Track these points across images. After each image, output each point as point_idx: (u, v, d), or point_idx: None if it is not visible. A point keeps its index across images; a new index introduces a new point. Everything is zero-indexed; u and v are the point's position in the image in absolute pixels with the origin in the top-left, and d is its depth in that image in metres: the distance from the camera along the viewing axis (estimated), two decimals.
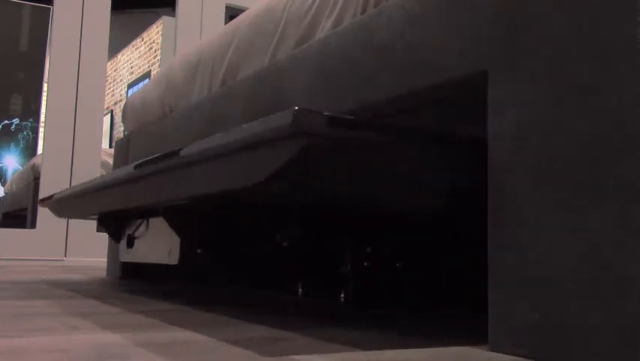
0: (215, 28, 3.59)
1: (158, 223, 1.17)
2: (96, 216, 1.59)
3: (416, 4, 0.88)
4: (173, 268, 1.80)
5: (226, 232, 1.07)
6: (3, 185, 4.48)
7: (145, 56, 6.10)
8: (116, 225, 1.50)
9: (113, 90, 6.95)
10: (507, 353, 0.69)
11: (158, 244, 1.14)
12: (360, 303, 1.14)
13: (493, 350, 0.71)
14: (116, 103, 6.79)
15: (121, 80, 6.76)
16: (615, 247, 0.59)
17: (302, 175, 0.76)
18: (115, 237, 1.53)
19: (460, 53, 0.80)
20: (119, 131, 6.33)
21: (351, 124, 0.70)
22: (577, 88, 0.65)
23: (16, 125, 4.27)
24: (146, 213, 1.24)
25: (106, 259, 2.75)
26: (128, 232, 1.39)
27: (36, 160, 3.79)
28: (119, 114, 5.64)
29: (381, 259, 1.14)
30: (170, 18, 4.75)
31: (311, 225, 1.17)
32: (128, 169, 1.04)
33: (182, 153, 0.84)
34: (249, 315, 1.01)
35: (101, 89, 3.42)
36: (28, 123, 4.31)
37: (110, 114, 6.72)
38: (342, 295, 1.16)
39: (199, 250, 1.03)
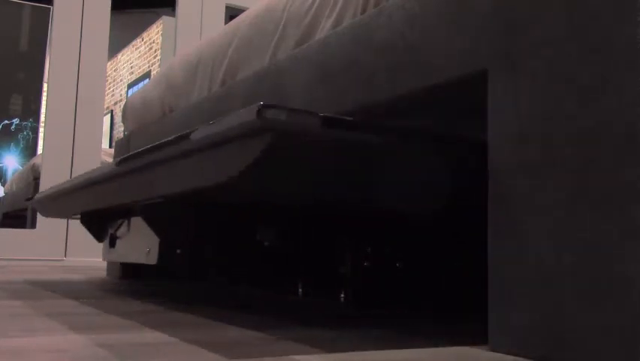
0: (215, 28, 3.59)
1: (138, 223, 1.16)
2: (78, 216, 1.59)
3: (416, 4, 0.88)
4: (172, 268, 1.79)
5: (210, 231, 1.07)
6: (3, 185, 4.48)
7: (145, 56, 6.09)
8: (99, 224, 1.50)
9: (113, 90, 6.95)
10: (507, 353, 0.69)
11: (137, 243, 1.14)
12: (360, 303, 1.14)
13: (493, 350, 0.71)
14: (116, 103, 6.78)
15: (121, 80, 6.76)
16: (615, 247, 0.59)
17: (276, 173, 0.75)
18: (97, 236, 1.53)
19: (460, 52, 0.80)
20: (119, 131, 6.33)
21: (320, 120, 0.69)
22: (577, 88, 0.65)
23: (16, 125, 4.27)
24: (127, 212, 1.24)
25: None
26: (111, 231, 1.38)
27: (36, 160, 3.79)
28: (119, 114, 5.63)
29: (381, 259, 1.14)
30: (170, 18, 4.75)
31: (310, 225, 1.17)
32: (103, 169, 1.05)
33: (154, 151, 0.84)
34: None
35: (101, 89, 3.42)
36: (28, 123, 4.31)
37: (110, 114, 6.72)
38: (342, 295, 1.16)
39: (178, 251, 1.03)
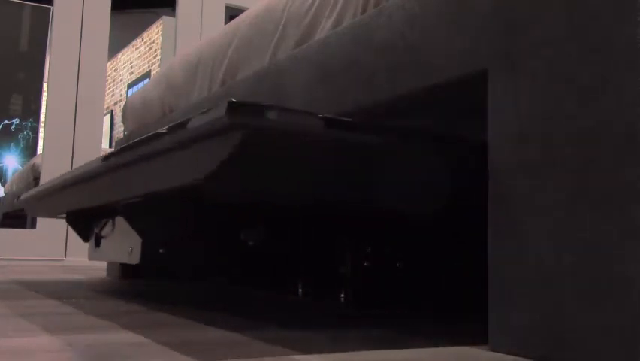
0: (215, 28, 3.59)
1: (122, 222, 1.16)
2: (64, 215, 1.58)
3: (416, 4, 0.88)
4: (173, 268, 1.79)
5: (197, 231, 1.06)
6: (3, 185, 4.48)
7: (145, 56, 6.09)
8: (84, 223, 1.49)
9: (113, 90, 6.95)
10: (507, 353, 0.69)
11: (121, 243, 1.14)
12: (360, 303, 1.14)
13: (493, 350, 0.71)
14: (116, 103, 6.78)
15: (121, 80, 6.76)
16: (615, 247, 0.59)
17: (256, 171, 0.74)
18: (83, 236, 1.52)
19: (460, 52, 0.80)
20: (119, 131, 6.33)
21: (293, 116, 0.68)
22: (577, 88, 0.65)
23: (16, 125, 4.27)
24: (111, 211, 1.24)
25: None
26: (96, 230, 1.38)
27: (36, 160, 3.79)
28: (119, 114, 5.64)
29: (381, 259, 1.14)
30: (170, 18, 4.75)
31: (310, 225, 1.17)
32: (83, 167, 1.04)
33: (132, 149, 0.83)
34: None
35: (101, 89, 3.43)
36: (28, 123, 4.31)
37: (110, 114, 6.72)
38: (342, 295, 1.16)
39: (161, 250, 1.02)
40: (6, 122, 4.23)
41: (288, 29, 1.23)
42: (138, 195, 0.92)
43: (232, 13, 3.89)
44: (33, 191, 1.43)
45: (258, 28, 1.35)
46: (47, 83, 3.36)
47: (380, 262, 1.13)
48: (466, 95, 0.86)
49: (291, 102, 1.15)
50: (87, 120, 3.33)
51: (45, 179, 3.20)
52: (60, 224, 3.18)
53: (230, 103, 0.63)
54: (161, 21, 5.65)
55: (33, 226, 3.27)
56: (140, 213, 1.00)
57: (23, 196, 1.54)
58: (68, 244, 3.21)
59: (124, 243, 1.10)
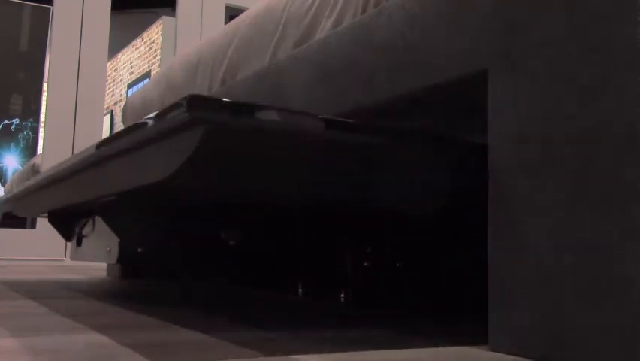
0: (215, 28, 3.59)
1: (100, 222, 1.15)
2: (46, 215, 1.57)
3: (416, 4, 0.88)
4: (172, 268, 1.79)
5: (180, 231, 1.05)
6: (3, 185, 4.48)
7: (145, 56, 6.10)
8: (66, 223, 1.48)
9: (113, 90, 6.95)
10: (507, 353, 0.69)
11: (100, 243, 1.13)
12: (360, 303, 1.14)
13: (493, 350, 0.71)
14: (116, 103, 6.79)
15: (121, 80, 6.76)
16: (615, 247, 0.59)
17: (221, 169, 0.73)
18: (65, 235, 1.51)
19: (460, 52, 0.80)
20: None
21: (253, 110, 0.66)
22: (577, 88, 0.65)
23: (16, 125, 4.27)
24: (91, 211, 1.23)
25: None
26: (77, 230, 1.37)
27: (36, 160, 3.79)
28: (119, 114, 5.63)
29: (381, 259, 1.14)
30: (170, 18, 4.75)
31: (310, 225, 1.17)
32: (54, 169, 1.04)
33: (98, 148, 0.83)
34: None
35: (101, 89, 3.43)
36: (28, 123, 4.31)
37: (110, 114, 6.72)
38: (342, 295, 1.16)
39: (140, 249, 1.01)
40: (6, 122, 4.23)
41: (288, 29, 1.23)
42: (108, 194, 0.91)
43: (232, 13, 3.89)
44: (14, 191, 1.43)
45: (258, 28, 1.35)
46: (47, 83, 3.36)
47: (380, 262, 1.13)
48: (466, 95, 0.86)
49: (291, 102, 1.15)
50: (87, 120, 3.33)
51: None
52: None
53: (191, 97, 0.62)
54: (161, 21, 5.66)
55: (33, 226, 3.27)
56: (116, 212, 0.99)
57: (2, 197, 1.54)
58: (69, 244, 3.21)
59: (103, 242, 1.10)
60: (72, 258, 1.44)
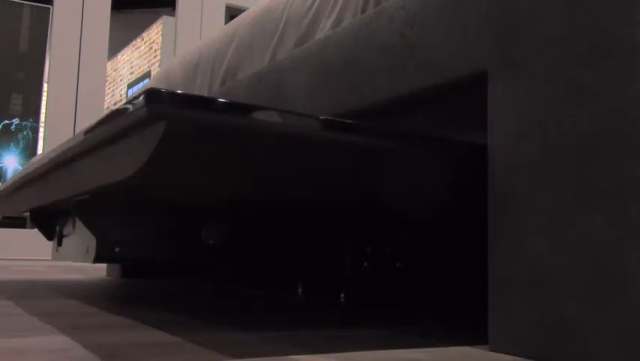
0: (215, 28, 3.60)
1: (79, 221, 1.14)
2: (27, 213, 1.56)
3: (416, 4, 0.88)
4: (171, 267, 1.79)
5: (161, 230, 1.04)
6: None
7: (145, 56, 6.10)
8: (48, 222, 1.47)
9: (113, 90, 6.95)
10: (507, 353, 0.69)
11: (78, 242, 1.12)
12: (360, 303, 1.14)
13: (493, 350, 0.71)
14: (116, 103, 6.79)
15: (121, 80, 6.76)
16: (615, 247, 0.59)
17: (188, 167, 0.71)
18: (47, 235, 1.50)
19: (460, 52, 0.80)
20: None
21: (215, 105, 0.64)
22: (577, 88, 0.65)
23: (16, 125, 4.27)
24: (70, 211, 1.22)
25: None
26: (58, 229, 1.36)
27: None
28: None
29: (381, 259, 1.14)
30: (170, 18, 4.75)
31: (310, 225, 1.17)
32: (29, 168, 1.04)
33: (65, 147, 0.82)
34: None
35: (101, 89, 3.43)
36: (28, 123, 4.31)
37: None
38: (342, 295, 1.16)
39: (117, 249, 1.00)
40: (6, 122, 4.23)
41: (288, 29, 1.23)
42: (78, 193, 0.91)
43: (232, 13, 3.89)
44: None
45: (258, 28, 1.35)
46: (47, 83, 3.36)
47: (380, 262, 1.13)
48: (465, 95, 0.86)
49: (291, 102, 1.15)
50: (87, 120, 3.33)
51: None
52: None
53: (149, 91, 0.60)
54: (161, 21, 5.66)
55: (34, 226, 3.27)
56: (92, 211, 0.98)
57: None
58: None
59: (81, 242, 1.09)
60: (53, 258, 1.42)
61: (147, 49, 6.05)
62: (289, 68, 1.17)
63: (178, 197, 0.95)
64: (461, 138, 0.82)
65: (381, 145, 0.75)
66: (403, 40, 0.90)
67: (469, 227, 1.10)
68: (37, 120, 4.35)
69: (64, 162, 0.88)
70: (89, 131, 0.74)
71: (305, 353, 0.65)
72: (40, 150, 4.09)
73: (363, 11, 1.02)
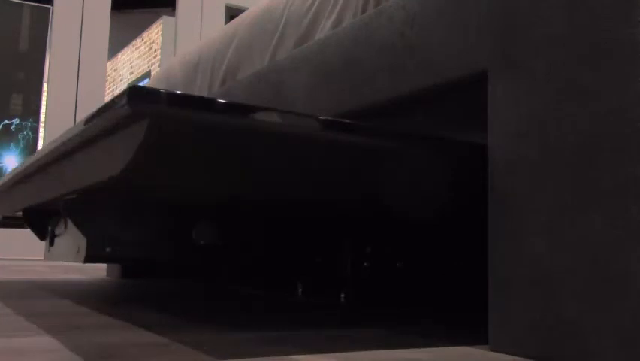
0: (215, 28, 3.60)
1: (70, 221, 1.13)
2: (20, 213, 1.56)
3: (416, 4, 0.88)
4: (170, 267, 1.79)
5: (152, 230, 1.03)
6: None
7: (145, 56, 6.10)
8: (41, 222, 1.47)
9: (113, 90, 6.95)
10: (507, 353, 0.69)
11: (69, 242, 1.12)
12: (360, 303, 1.14)
13: (493, 350, 0.71)
14: None
15: (121, 80, 6.76)
16: (615, 247, 0.59)
17: (175, 165, 0.70)
18: (40, 235, 1.49)
19: (460, 53, 0.80)
20: None
21: (198, 103, 0.63)
22: (577, 88, 0.65)
23: (16, 125, 4.27)
24: (60, 210, 1.22)
25: None
26: (50, 230, 1.35)
27: None
28: None
29: (381, 259, 1.14)
30: (170, 18, 4.75)
31: (309, 225, 1.17)
32: (19, 167, 1.03)
33: (53, 145, 0.82)
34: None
35: (101, 89, 3.43)
36: (28, 123, 4.31)
37: None
38: (342, 295, 1.16)
39: (108, 249, 0.99)
40: (6, 122, 4.23)
41: (288, 29, 1.23)
42: (66, 193, 0.90)
43: (232, 13, 3.89)
44: None
45: (258, 28, 1.35)
46: (47, 83, 3.36)
47: (380, 262, 1.13)
48: (465, 95, 0.86)
49: (291, 102, 1.15)
50: None
51: None
52: None
53: (131, 89, 0.59)
54: (161, 21, 5.66)
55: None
56: (82, 211, 0.97)
57: None
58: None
59: (72, 242, 1.08)
60: (45, 258, 1.41)
61: (147, 49, 6.04)
62: (289, 68, 1.17)
63: (169, 196, 0.94)
64: (461, 138, 0.82)
65: (381, 145, 0.75)
66: (403, 40, 0.90)
67: (469, 227, 1.10)
68: (37, 120, 4.35)
69: (52, 160, 0.88)
70: (75, 128, 0.73)
71: (305, 353, 0.65)
72: None
73: (363, 11, 1.02)
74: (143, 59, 6.16)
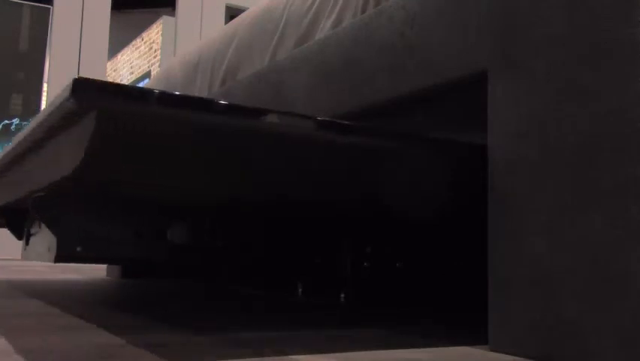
0: (215, 28, 3.60)
1: (42, 220, 1.12)
2: None
3: (416, 4, 0.88)
4: (170, 267, 1.79)
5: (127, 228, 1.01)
6: None
7: (145, 56, 6.09)
8: (17, 220, 1.45)
9: None
10: (507, 353, 0.69)
11: (42, 241, 1.11)
12: (360, 303, 1.14)
13: (493, 350, 0.71)
14: None
15: (121, 80, 6.76)
16: (615, 247, 0.59)
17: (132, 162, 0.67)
18: (17, 234, 1.48)
19: (460, 53, 0.80)
20: None
21: (146, 95, 0.60)
22: (576, 88, 0.65)
23: (16, 125, 4.27)
24: (30, 210, 1.20)
25: None
26: (26, 228, 1.34)
27: None
28: None
29: (381, 259, 1.14)
30: (170, 18, 4.75)
31: (309, 225, 1.17)
32: None
33: (15, 142, 0.81)
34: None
35: None
36: (28, 123, 4.31)
37: None
38: (342, 295, 1.16)
39: (79, 249, 0.98)
40: (6, 122, 4.23)
41: (288, 29, 1.23)
42: (35, 190, 0.89)
43: (232, 13, 3.89)
44: None
45: (258, 28, 1.35)
46: (47, 83, 3.36)
47: (380, 262, 1.13)
48: (465, 95, 0.86)
49: (291, 102, 1.15)
50: None
51: None
52: None
53: (76, 81, 0.57)
54: (161, 21, 5.65)
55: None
56: (52, 210, 0.96)
57: None
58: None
59: (44, 241, 1.07)
60: (22, 257, 1.40)
61: (147, 49, 6.04)
62: (289, 68, 1.17)
63: (142, 194, 0.92)
64: (461, 138, 0.82)
65: (381, 146, 0.75)
66: (403, 40, 0.90)
67: (469, 227, 1.10)
68: None
69: (13, 159, 0.86)
70: (32, 125, 0.71)
71: (305, 353, 0.65)
72: None
73: (363, 11, 1.02)
74: (143, 59, 6.16)
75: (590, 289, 0.61)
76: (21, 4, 4.22)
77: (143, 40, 6.16)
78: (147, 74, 5.90)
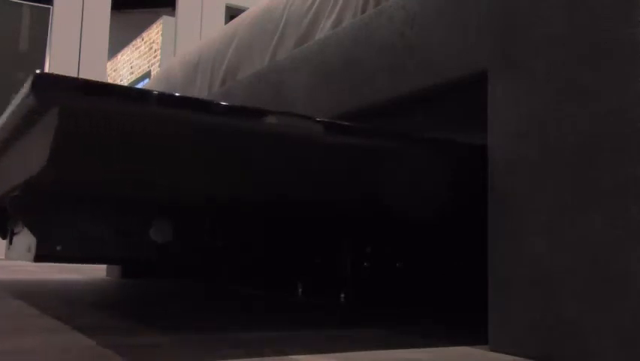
0: (215, 28, 3.60)
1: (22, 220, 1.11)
2: None
3: (416, 4, 0.88)
4: (171, 267, 1.79)
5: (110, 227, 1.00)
6: None
7: (145, 56, 6.09)
8: (2, 220, 1.44)
9: None
10: (507, 353, 0.69)
11: (23, 241, 1.10)
12: (360, 303, 1.14)
13: (493, 350, 0.71)
14: None
15: (121, 80, 6.76)
16: (615, 247, 0.59)
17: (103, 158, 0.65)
18: (1, 234, 1.47)
19: (460, 53, 0.80)
20: None
21: (117, 93, 0.58)
22: (577, 88, 0.65)
23: None
24: (9, 209, 1.19)
25: None
26: (10, 228, 1.33)
27: None
28: None
29: (381, 259, 1.14)
30: (170, 18, 4.75)
31: (309, 225, 1.17)
32: None
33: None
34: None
35: None
36: None
37: None
38: (342, 295, 1.16)
39: (59, 248, 0.97)
40: None
41: (288, 29, 1.23)
42: (10, 188, 0.88)
43: (232, 13, 3.89)
44: None
45: (258, 28, 1.35)
46: None
47: (380, 262, 1.13)
48: (465, 95, 0.86)
49: (291, 102, 1.15)
50: None
51: None
52: None
53: (37, 76, 0.55)
54: (161, 21, 5.65)
55: None
56: (27, 207, 0.95)
57: None
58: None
59: (25, 241, 1.06)
60: (6, 257, 1.40)
61: (147, 49, 6.04)
62: (289, 68, 1.17)
63: (123, 193, 0.91)
64: (461, 138, 0.82)
65: (381, 146, 0.75)
66: (403, 40, 0.90)
67: (469, 227, 1.10)
68: None
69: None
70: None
71: (305, 353, 0.65)
72: None
73: (363, 11, 1.02)
74: (143, 59, 6.16)
75: (590, 289, 0.61)
76: (21, 4, 4.22)
77: (143, 40, 6.16)
78: (147, 74, 5.90)
